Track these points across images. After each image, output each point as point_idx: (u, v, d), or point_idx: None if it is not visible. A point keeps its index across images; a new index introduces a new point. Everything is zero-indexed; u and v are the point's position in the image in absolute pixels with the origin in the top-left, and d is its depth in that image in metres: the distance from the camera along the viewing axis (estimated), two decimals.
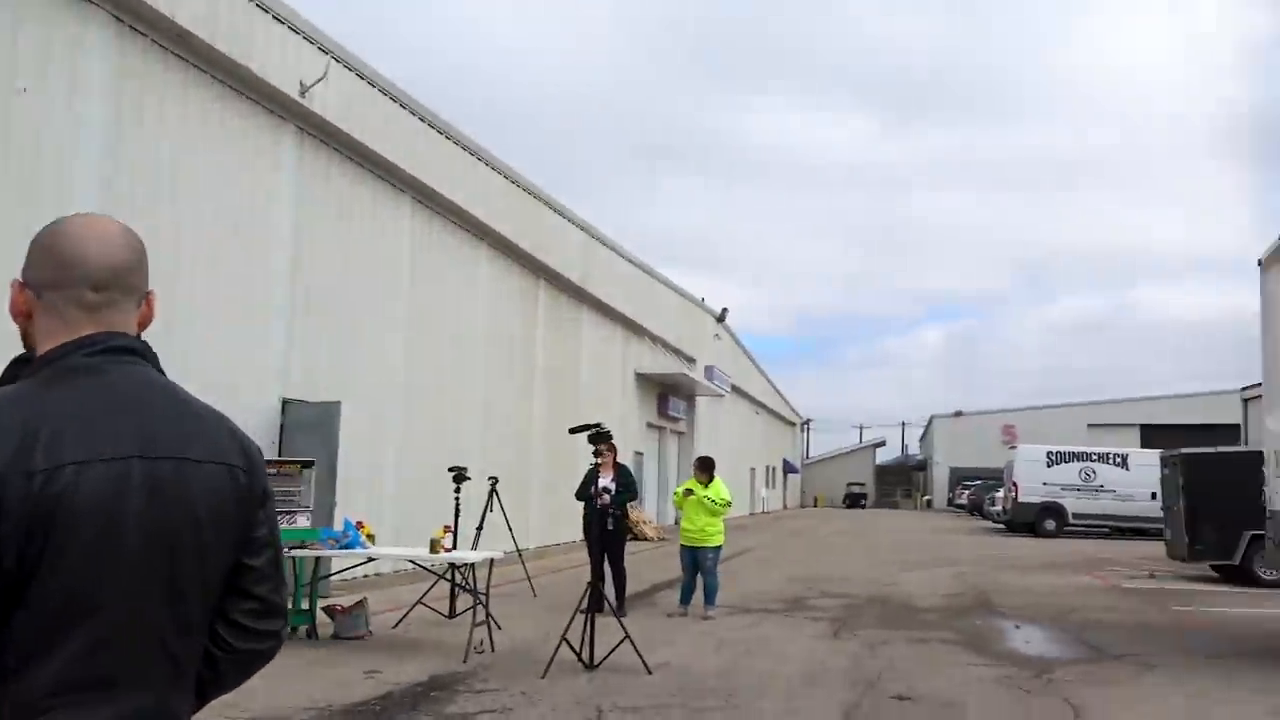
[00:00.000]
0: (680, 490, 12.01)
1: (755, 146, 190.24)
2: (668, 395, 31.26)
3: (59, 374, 1.56)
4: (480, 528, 11.62)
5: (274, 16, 11.75)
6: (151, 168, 10.13)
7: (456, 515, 10.48)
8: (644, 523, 25.22)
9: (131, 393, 1.59)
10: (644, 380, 28.64)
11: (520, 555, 13.11)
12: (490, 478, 12.44)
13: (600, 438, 8.81)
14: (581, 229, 22.94)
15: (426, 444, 15.20)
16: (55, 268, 1.64)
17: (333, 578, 10.28)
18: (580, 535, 12.27)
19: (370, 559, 9.43)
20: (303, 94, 12.22)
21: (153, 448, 1.55)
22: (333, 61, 12.71)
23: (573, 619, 8.09)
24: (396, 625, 9.60)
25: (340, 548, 8.57)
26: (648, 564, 17.10)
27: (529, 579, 12.92)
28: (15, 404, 1.50)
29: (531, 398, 20.21)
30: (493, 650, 8.55)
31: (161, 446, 1.56)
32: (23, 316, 1.65)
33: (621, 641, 7.99)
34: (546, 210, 20.75)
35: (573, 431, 9.25)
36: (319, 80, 12.36)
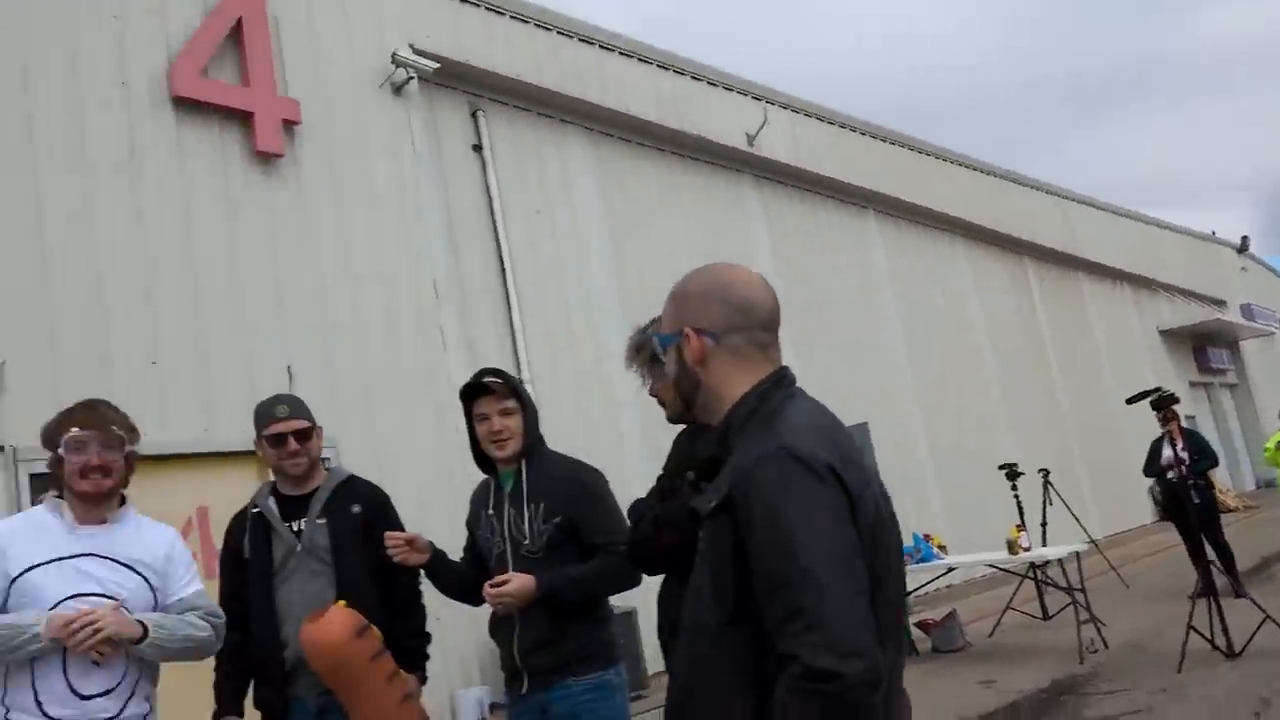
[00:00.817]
0: (1272, 444, 10.31)
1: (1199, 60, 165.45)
2: (1204, 347, 27.53)
3: (775, 411, 1.67)
4: (1044, 523, 10.87)
5: (708, 82, 12.42)
6: (644, 248, 10.99)
7: (1020, 513, 9.88)
8: (1222, 491, 22.21)
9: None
10: (1170, 336, 25.51)
11: (1097, 546, 12.08)
12: (1040, 470, 11.65)
13: (1164, 402, 8.14)
14: (1050, 193, 21.22)
15: (956, 449, 14.69)
16: (734, 313, 1.74)
17: (912, 595, 10.15)
18: (1149, 518, 10.99)
19: (950, 569, 9.15)
20: (750, 143, 12.76)
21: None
22: (767, 106, 13.11)
23: (1194, 605, 7.18)
24: (991, 633, 9.15)
25: (916, 562, 8.41)
26: (1245, 536, 14.92)
27: (1114, 569, 11.80)
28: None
29: (1050, 379, 18.84)
30: (1105, 648, 7.81)
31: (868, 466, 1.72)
32: (698, 364, 1.75)
33: (1263, 622, 6.91)
34: (1008, 184, 19.49)
35: (1130, 401, 8.38)
36: (761, 127, 12.81)
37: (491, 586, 2.99)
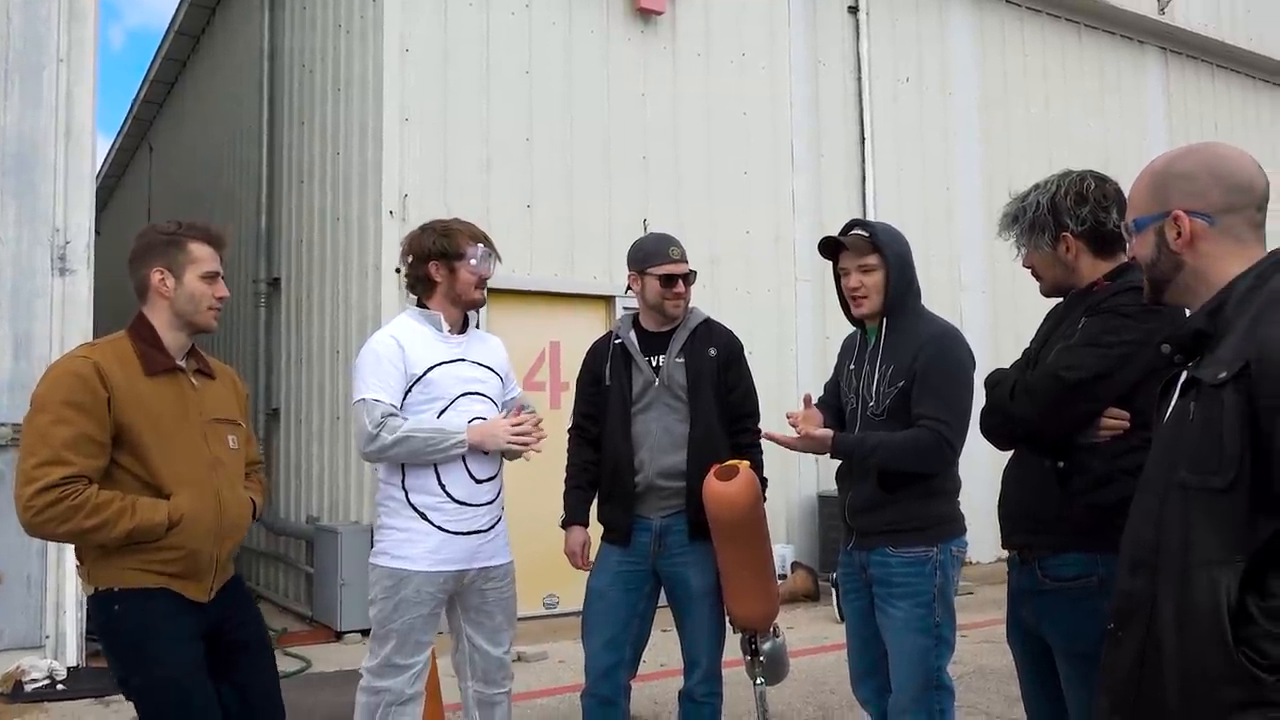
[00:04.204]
0: None
1: None
2: None
3: (1277, 295, 1.64)
4: None
5: None
6: (1017, 125, 10.25)
7: None
8: None
9: None
10: None
11: None
12: None
13: None
14: None
15: None
16: (1232, 193, 1.75)
17: None
18: None
19: None
20: (1161, 10, 11.28)
21: None
22: None
23: None
24: None
25: None
26: None
27: None
28: None
29: None
30: None
31: None
32: (1186, 246, 1.76)
33: None
34: None
35: None
36: None
37: (790, 421, 3.05)
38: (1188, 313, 1.88)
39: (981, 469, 3.81)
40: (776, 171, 8.63)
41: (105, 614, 2.63)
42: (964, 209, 9.61)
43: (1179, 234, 1.77)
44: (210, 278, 2.80)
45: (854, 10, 9.20)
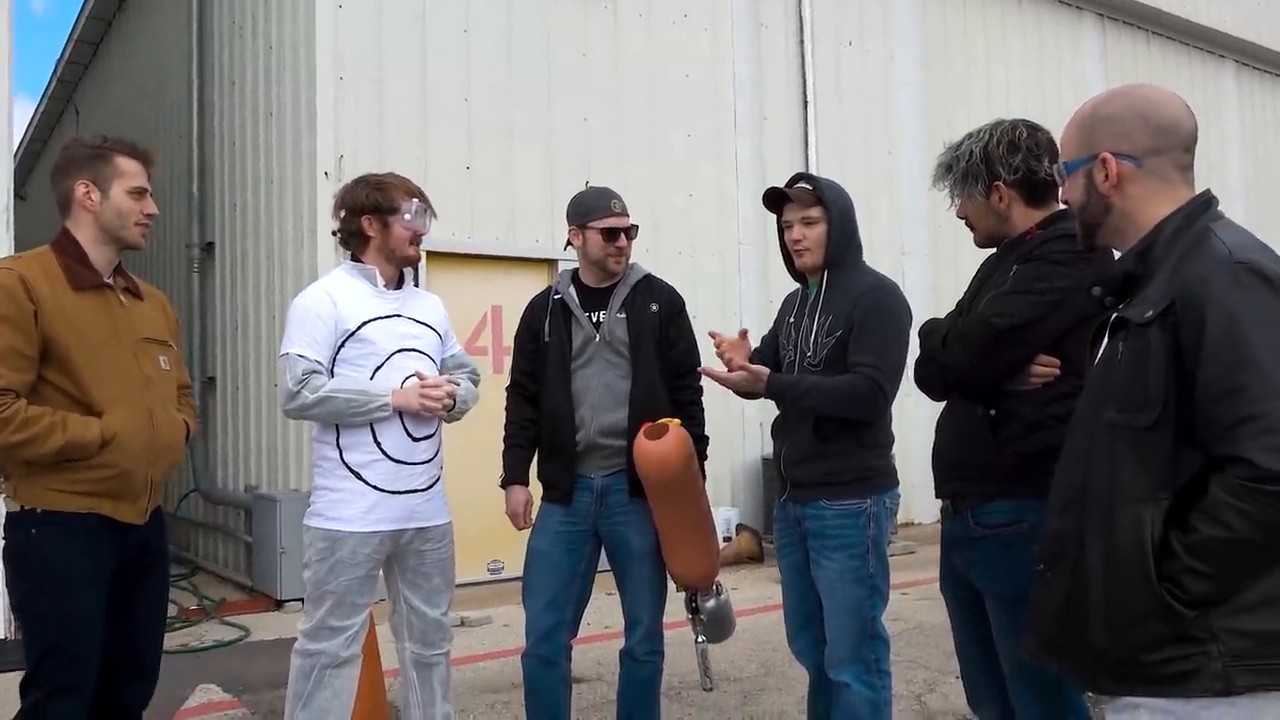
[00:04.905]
0: None
1: None
2: None
3: (1206, 232, 1.67)
4: None
5: None
6: (958, 89, 10.31)
7: None
8: None
9: None
10: None
11: None
12: None
13: None
14: None
15: None
16: (1158, 134, 1.75)
17: None
18: None
19: None
20: None
21: None
22: None
23: None
24: None
25: None
26: None
27: None
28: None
29: None
30: None
31: None
32: (1114, 189, 1.77)
33: None
34: None
35: None
36: None
37: (715, 342, 3.07)
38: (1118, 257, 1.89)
39: (922, 433, 3.83)
40: (719, 134, 8.58)
41: (23, 535, 2.58)
42: (906, 173, 9.65)
43: (1106, 176, 1.78)
44: (138, 193, 2.75)
45: None
